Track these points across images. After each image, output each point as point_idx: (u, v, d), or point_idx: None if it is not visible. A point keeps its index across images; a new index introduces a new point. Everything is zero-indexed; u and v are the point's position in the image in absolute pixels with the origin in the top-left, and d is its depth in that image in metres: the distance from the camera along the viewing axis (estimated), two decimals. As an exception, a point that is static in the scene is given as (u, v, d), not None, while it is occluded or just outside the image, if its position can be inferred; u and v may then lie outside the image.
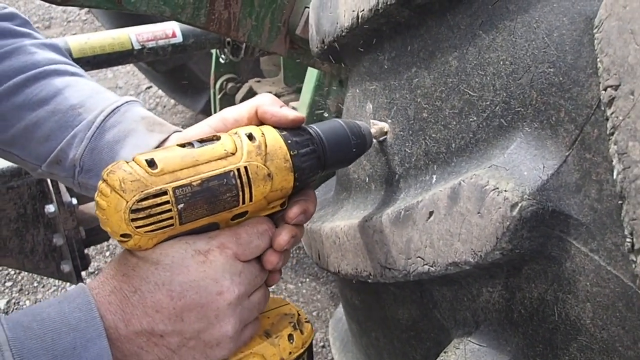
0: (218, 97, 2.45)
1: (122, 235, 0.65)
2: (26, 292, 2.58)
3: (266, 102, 0.77)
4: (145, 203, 0.63)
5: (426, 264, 0.76)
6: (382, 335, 1.07)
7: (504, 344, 0.74)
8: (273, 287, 2.65)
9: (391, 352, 1.05)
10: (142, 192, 0.63)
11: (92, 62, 1.77)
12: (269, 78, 2.40)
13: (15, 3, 5.04)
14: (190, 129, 0.83)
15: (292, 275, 2.73)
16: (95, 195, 0.66)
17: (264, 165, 0.70)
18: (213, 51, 2.35)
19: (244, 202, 0.70)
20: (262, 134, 0.72)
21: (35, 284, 2.61)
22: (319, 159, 0.77)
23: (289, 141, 0.73)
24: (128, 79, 4.03)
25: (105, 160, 0.86)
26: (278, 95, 2.23)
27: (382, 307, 1.01)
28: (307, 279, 2.72)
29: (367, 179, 0.96)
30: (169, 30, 1.87)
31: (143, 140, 0.86)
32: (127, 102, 0.91)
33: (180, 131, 0.89)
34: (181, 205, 0.65)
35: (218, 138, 0.71)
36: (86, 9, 4.57)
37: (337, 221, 1.00)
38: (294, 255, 2.83)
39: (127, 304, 0.67)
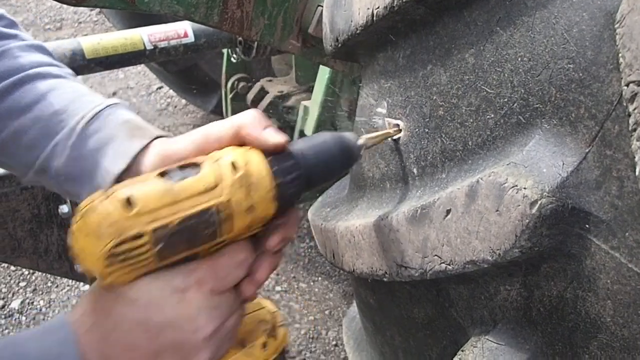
0: (229, 96, 2.45)
1: (97, 275, 0.63)
2: (40, 292, 2.60)
3: (249, 122, 0.73)
4: (122, 247, 0.61)
5: (443, 263, 0.76)
6: (398, 334, 1.06)
7: (523, 343, 0.73)
8: (285, 285, 2.65)
9: (407, 350, 1.04)
10: (119, 236, 0.60)
11: (105, 62, 1.77)
12: (280, 77, 2.40)
13: (26, 4, 5.08)
14: (173, 142, 0.81)
15: (304, 274, 2.73)
16: (71, 229, 0.64)
17: (247, 197, 0.67)
18: (224, 50, 2.35)
19: (223, 235, 0.68)
20: (247, 162, 0.68)
21: (49, 284, 2.63)
22: (304, 182, 0.73)
23: (274, 168, 0.70)
24: (139, 79, 4.05)
25: (87, 169, 0.85)
26: (290, 94, 2.23)
27: (397, 305, 1.01)
28: (320, 278, 2.72)
29: (382, 178, 0.96)
30: (181, 30, 1.88)
31: (124, 146, 0.83)
32: (109, 105, 0.88)
33: (163, 136, 0.86)
34: (160, 246, 0.63)
35: (199, 165, 0.68)
36: (97, 10, 4.59)
37: (352, 220, 1.00)
38: (305, 254, 2.83)
39: (106, 343, 0.67)
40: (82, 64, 1.73)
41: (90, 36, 1.79)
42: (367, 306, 1.19)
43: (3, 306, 2.53)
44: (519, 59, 0.68)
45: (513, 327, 0.74)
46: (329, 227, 1.08)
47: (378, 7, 0.82)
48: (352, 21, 0.90)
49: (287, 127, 2.31)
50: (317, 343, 2.46)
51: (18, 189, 1.70)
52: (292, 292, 2.65)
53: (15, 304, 2.53)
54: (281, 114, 2.25)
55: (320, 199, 1.32)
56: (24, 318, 2.48)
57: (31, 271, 2.65)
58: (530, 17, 0.66)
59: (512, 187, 0.64)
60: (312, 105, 1.96)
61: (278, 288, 2.67)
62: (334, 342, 2.46)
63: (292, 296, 2.63)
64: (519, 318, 0.73)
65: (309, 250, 2.86)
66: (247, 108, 2.43)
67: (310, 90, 2.18)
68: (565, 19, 0.63)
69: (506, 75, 0.69)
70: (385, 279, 0.92)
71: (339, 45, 0.97)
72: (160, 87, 3.94)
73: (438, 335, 0.91)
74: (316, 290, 2.67)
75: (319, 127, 1.97)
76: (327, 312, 2.58)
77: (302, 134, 2.05)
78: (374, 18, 0.84)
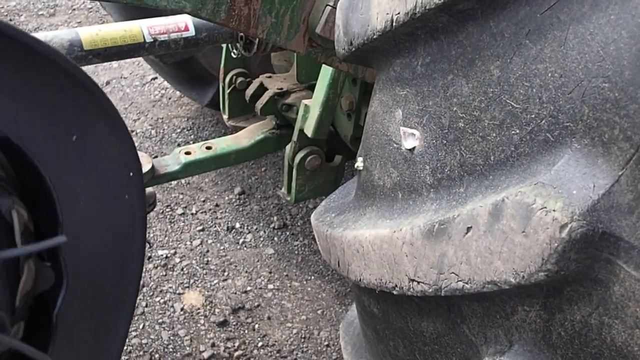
0: (227, 91, 2.42)
1: None
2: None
3: None
4: None
5: (460, 281, 0.74)
6: (402, 346, 1.04)
7: (540, 366, 0.71)
8: (277, 283, 2.63)
9: (411, 363, 1.02)
10: None
11: (103, 54, 1.73)
12: (280, 74, 2.36)
13: (19, -11, 4.99)
14: None
15: (297, 273, 2.71)
16: None
17: None
18: (223, 45, 2.31)
19: None
20: None
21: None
22: None
23: None
24: (133, 69, 3.99)
25: None
26: (289, 92, 2.19)
27: (403, 317, 0.99)
28: (312, 277, 2.70)
29: (394, 187, 0.93)
30: (182, 24, 1.83)
31: None
32: None
33: None
34: None
35: None
36: (91, -3, 4.51)
37: (361, 229, 0.97)
38: (299, 252, 2.81)
39: None
40: (80, 55, 1.68)
41: (89, 27, 1.74)
42: (369, 315, 1.16)
43: None
44: (549, 75, 0.65)
45: (531, 350, 0.72)
46: (335, 234, 1.05)
47: (398, 13, 0.80)
48: (369, 25, 0.87)
49: (285, 124, 2.28)
50: (309, 343, 2.43)
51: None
52: (284, 291, 2.63)
53: (2, 296, 2.48)
54: (280, 112, 2.22)
55: (323, 203, 1.29)
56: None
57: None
58: (563, 31, 0.64)
59: (541, 208, 0.62)
60: (314, 105, 1.92)
61: (270, 286, 2.64)
62: (326, 343, 2.44)
63: (284, 295, 2.61)
64: (538, 340, 0.71)
65: (303, 248, 2.83)
66: (245, 103, 2.41)
67: (310, 88, 2.15)
68: (602, 36, 0.60)
69: (534, 90, 0.67)
70: (395, 292, 0.89)
71: (353, 49, 0.94)
72: (154, 78, 3.88)
73: (447, 351, 0.89)
74: (309, 289, 2.65)
75: (319, 127, 1.94)
76: (319, 311, 2.56)
77: (301, 133, 2.02)
78: (393, 24, 0.81)
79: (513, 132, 0.70)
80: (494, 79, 0.72)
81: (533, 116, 0.67)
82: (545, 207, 0.61)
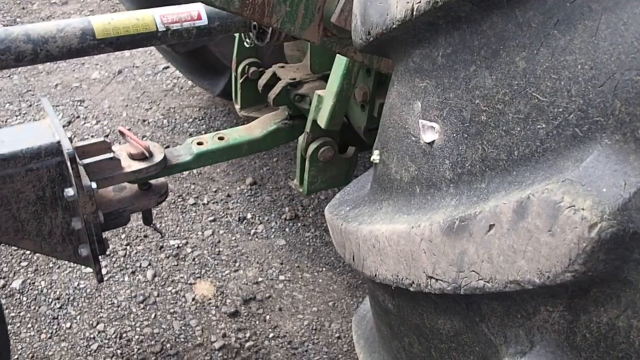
0: (239, 81, 2.39)
1: None
2: (41, 273, 2.56)
3: None
4: None
5: (481, 279, 0.71)
6: (417, 343, 1.02)
7: (563, 368, 0.69)
8: (289, 274, 2.62)
9: (427, 360, 1.00)
10: None
11: (116, 43, 1.71)
12: (293, 64, 2.33)
13: (32, -23, 4.97)
14: None
15: (309, 264, 2.69)
16: None
17: None
18: (235, 34, 2.29)
19: None
20: None
21: (51, 265, 2.59)
22: None
23: None
24: (145, 58, 3.98)
25: None
26: (302, 82, 2.17)
27: (419, 314, 0.97)
28: (324, 269, 2.68)
29: (412, 181, 0.91)
30: (194, 12, 1.81)
31: None
32: None
33: None
34: None
35: None
36: (104, -15, 4.50)
37: (377, 224, 0.95)
38: (310, 243, 2.79)
39: None
40: (92, 44, 1.67)
41: (101, 15, 1.73)
42: (384, 310, 1.14)
43: (4, 285, 2.49)
44: (579, 67, 0.62)
45: (553, 351, 0.70)
46: (350, 229, 1.03)
47: (419, 2, 0.77)
48: (388, 15, 0.84)
49: (298, 115, 2.25)
50: (320, 335, 2.42)
51: (23, 170, 1.65)
52: (295, 282, 2.62)
53: (16, 284, 2.49)
54: (292, 102, 2.20)
55: (337, 196, 1.27)
56: (25, 298, 2.44)
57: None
58: (595, 21, 0.61)
59: (569, 206, 0.59)
60: (327, 95, 1.90)
61: (282, 277, 2.63)
62: (337, 335, 2.43)
63: (295, 286, 2.60)
64: (561, 342, 0.69)
65: (314, 239, 2.82)
66: (257, 93, 2.39)
67: (324, 78, 2.12)
68: (637, 26, 0.57)
69: (562, 83, 0.64)
70: (411, 289, 0.87)
71: (371, 39, 0.92)
72: (166, 67, 3.87)
73: (465, 349, 0.87)
74: (320, 281, 2.63)
75: (332, 118, 1.91)
76: (330, 303, 2.54)
77: (314, 124, 2.00)
78: (414, 13, 0.79)
79: (539, 126, 0.67)
80: (519, 71, 0.69)
81: (561, 110, 0.64)
82: (574, 206, 0.59)
